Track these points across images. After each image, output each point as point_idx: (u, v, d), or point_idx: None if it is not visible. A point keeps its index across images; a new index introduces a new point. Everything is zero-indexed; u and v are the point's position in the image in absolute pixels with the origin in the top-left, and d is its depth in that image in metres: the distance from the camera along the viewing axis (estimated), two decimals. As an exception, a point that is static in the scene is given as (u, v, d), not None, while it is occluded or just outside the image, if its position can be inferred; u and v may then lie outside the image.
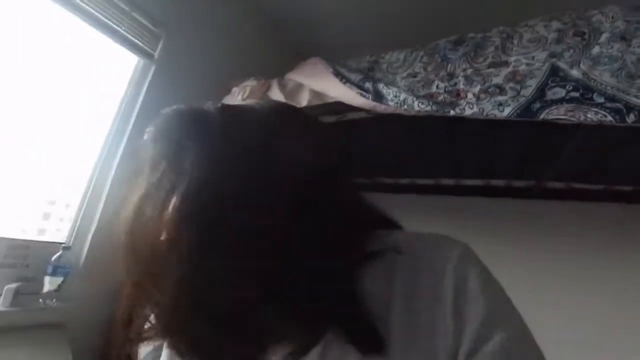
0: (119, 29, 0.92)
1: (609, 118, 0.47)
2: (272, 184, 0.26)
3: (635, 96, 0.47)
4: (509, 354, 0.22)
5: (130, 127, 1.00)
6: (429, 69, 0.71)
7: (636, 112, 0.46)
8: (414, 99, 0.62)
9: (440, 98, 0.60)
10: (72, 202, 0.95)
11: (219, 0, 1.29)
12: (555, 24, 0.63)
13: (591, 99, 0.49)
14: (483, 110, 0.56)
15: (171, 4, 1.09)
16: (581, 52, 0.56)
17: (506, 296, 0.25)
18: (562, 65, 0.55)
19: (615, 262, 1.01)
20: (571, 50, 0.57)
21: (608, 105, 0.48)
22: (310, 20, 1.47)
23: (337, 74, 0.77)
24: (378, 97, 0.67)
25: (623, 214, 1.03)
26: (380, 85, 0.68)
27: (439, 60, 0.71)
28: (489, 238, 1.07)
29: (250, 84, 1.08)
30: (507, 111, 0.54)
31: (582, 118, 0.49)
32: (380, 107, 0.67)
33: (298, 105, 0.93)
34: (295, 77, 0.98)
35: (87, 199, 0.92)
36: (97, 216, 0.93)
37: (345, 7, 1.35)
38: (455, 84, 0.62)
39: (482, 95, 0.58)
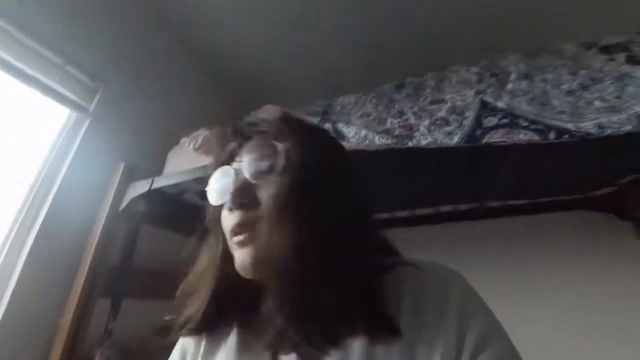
0: (49, 82, 0.84)
1: (536, 137, 0.56)
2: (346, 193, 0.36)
3: (550, 118, 0.57)
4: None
5: (59, 181, 0.86)
6: (379, 109, 0.78)
7: (554, 131, 0.56)
8: (374, 134, 0.66)
9: (397, 132, 0.66)
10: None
11: (162, 54, 1.28)
12: (474, 69, 0.76)
13: (518, 123, 0.59)
14: (436, 139, 0.62)
15: (111, 57, 1.04)
16: (499, 88, 0.68)
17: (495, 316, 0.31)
18: (488, 99, 0.66)
19: (548, 267, 1.13)
20: (491, 88, 0.69)
21: (532, 127, 0.57)
22: (255, 70, 1.54)
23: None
24: (339, 136, 0.70)
25: (545, 224, 1.19)
26: (340, 125, 0.72)
27: (387, 101, 0.79)
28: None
29: (201, 133, 1.05)
30: (455, 139, 0.61)
31: (516, 139, 0.57)
32: (345, 144, 0.69)
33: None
34: (250, 123, 0.99)
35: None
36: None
37: (288, 59, 1.45)
38: (407, 119, 0.68)
39: (432, 127, 0.64)
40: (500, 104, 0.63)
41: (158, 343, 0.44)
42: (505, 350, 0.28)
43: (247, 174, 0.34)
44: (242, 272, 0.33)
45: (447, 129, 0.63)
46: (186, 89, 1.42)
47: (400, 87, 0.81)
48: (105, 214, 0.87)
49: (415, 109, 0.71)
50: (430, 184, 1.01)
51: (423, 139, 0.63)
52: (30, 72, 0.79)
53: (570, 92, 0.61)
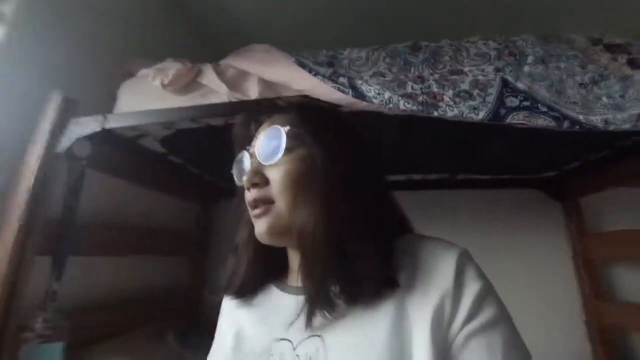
0: None
1: (552, 124, 0.58)
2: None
3: (565, 108, 0.59)
4: (497, 323, 0.31)
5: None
6: (394, 70, 0.72)
7: (568, 120, 0.58)
8: (399, 97, 0.60)
9: (420, 99, 0.61)
10: None
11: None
12: (492, 44, 0.73)
13: (537, 108, 0.60)
14: (462, 113, 0.59)
15: None
16: (517, 69, 0.67)
17: (493, 288, 0.34)
18: (509, 78, 0.65)
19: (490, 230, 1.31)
20: (510, 67, 0.68)
21: (550, 113, 0.59)
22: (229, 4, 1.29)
23: (302, 65, 0.69)
24: (359, 94, 0.62)
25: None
26: (359, 82, 0.64)
27: (402, 63, 0.73)
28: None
29: (171, 67, 0.85)
30: (481, 115, 0.59)
31: (535, 123, 0.58)
32: (362, 104, 0.63)
33: (244, 97, 0.79)
34: (236, 63, 0.83)
35: None
36: None
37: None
38: (429, 86, 0.64)
39: (457, 99, 0.61)
40: (520, 86, 0.63)
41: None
42: (497, 316, 0.31)
43: (258, 158, 0.40)
44: (260, 240, 0.39)
45: (472, 103, 0.61)
46: (146, 9, 1.13)
47: (415, 49, 0.75)
48: (41, 155, 0.67)
49: (436, 76, 0.67)
50: (422, 153, 1.03)
51: (449, 110, 0.60)
52: None
53: (582, 85, 0.63)
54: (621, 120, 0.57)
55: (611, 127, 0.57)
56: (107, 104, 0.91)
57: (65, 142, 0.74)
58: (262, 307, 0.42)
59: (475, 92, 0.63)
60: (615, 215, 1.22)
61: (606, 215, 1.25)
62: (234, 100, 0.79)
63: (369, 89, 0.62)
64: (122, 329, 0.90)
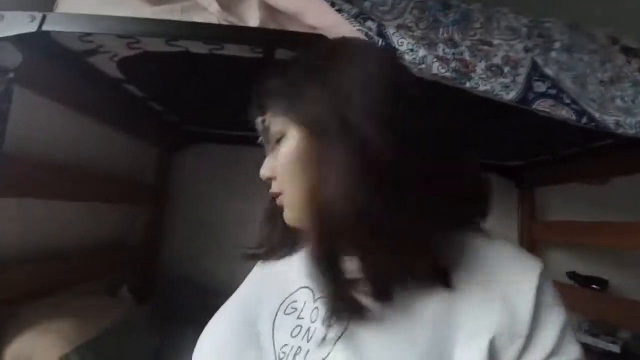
0: None
1: (574, 118, 0.57)
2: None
3: (586, 104, 0.58)
4: None
5: None
6: (421, 25, 0.63)
7: (587, 116, 0.57)
8: (434, 59, 0.53)
9: (453, 65, 0.55)
10: None
11: None
12: (523, 20, 0.68)
13: (562, 99, 0.57)
14: (494, 89, 0.55)
15: None
16: (545, 52, 0.64)
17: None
18: (538, 61, 0.61)
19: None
20: (539, 49, 0.64)
21: (573, 106, 0.57)
22: None
23: (324, -4, 0.56)
24: (388, 45, 0.53)
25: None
26: (391, 31, 0.54)
27: (431, 20, 0.64)
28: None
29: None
30: (512, 95, 0.55)
31: (559, 114, 0.57)
32: (389, 59, 0.54)
33: (240, 23, 0.64)
34: (233, -23, 0.65)
35: None
36: None
37: None
38: (462, 53, 0.57)
39: (489, 73, 0.56)
40: (549, 71, 0.60)
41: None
42: (580, 355, 0.27)
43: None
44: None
45: (504, 80, 0.56)
46: None
47: (446, 7, 0.66)
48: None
49: (468, 43, 0.60)
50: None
51: (482, 84, 0.54)
52: None
53: (602, 83, 0.63)
54: (629, 125, 0.58)
55: (620, 130, 0.58)
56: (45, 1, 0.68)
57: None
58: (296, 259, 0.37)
59: (507, 69, 0.58)
60: (561, 206, 1.38)
61: (554, 205, 1.40)
62: (225, 23, 0.63)
63: (401, 42, 0.53)
64: (64, 284, 0.77)
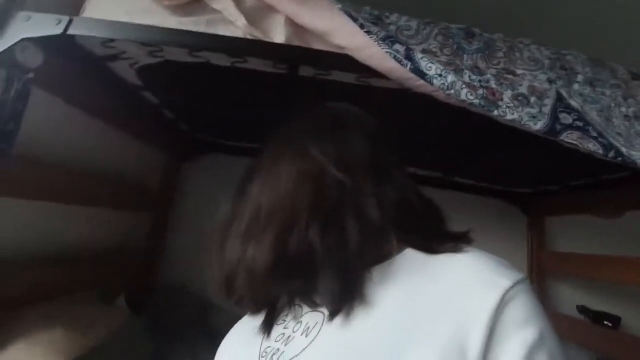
0: None
1: (601, 151, 0.56)
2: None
3: (612, 137, 0.57)
4: None
5: None
6: (446, 51, 0.63)
7: (614, 151, 0.56)
8: (463, 85, 0.52)
9: (480, 92, 0.54)
10: None
11: None
12: (545, 52, 0.68)
13: (589, 131, 0.57)
14: (521, 119, 0.54)
15: None
16: (568, 85, 0.64)
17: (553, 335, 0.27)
18: (563, 92, 0.61)
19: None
20: (562, 81, 0.64)
21: (600, 140, 0.56)
22: None
23: (354, 18, 0.56)
24: (417, 69, 0.53)
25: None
26: (419, 55, 0.54)
27: (455, 47, 0.64)
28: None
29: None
30: (539, 125, 0.54)
31: (586, 147, 0.56)
32: (417, 83, 0.53)
33: (265, 38, 0.64)
34: (261, -6, 0.66)
35: None
36: None
37: None
38: (488, 81, 0.57)
39: (516, 102, 0.56)
40: (573, 103, 0.59)
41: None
42: None
43: None
44: None
45: (530, 110, 0.55)
46: None
47: (470, 35, 0.67)
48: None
49: (494, 72, 0.60)
50: (425, 146, 1.00)
51: (510, 113, 0.53)
52: None
53: (627, 117, 0.62)
54: (655, 161, 0.57)
55: (647, 166, 0.57)
56: (68, 6, 0.68)
57: (5, 41, 0.52)
58: None
59: (533, 99, 0.57)
60: (574, 237, 1.35)
61: (566, 236, 1.38)
62: (250, 37, 0.63)
63: (430, 67, 0.53)
64: (59, 291, 0.74)
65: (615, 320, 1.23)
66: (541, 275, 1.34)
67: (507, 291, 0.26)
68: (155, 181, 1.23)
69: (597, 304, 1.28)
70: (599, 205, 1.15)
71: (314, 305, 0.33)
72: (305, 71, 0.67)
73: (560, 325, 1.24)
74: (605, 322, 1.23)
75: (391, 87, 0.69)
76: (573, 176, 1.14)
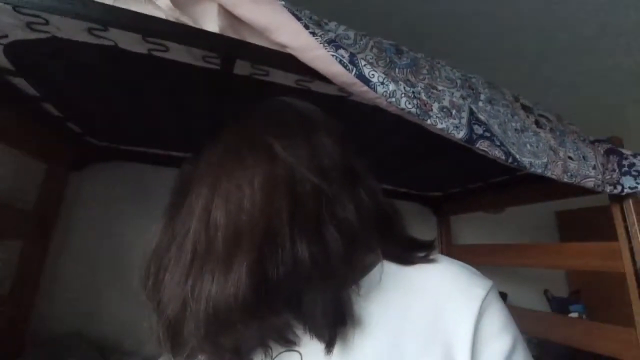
0: None
1: (503, 157, 0.67)
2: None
3: (509, 146, 0.69)
4: None
5: None
6: (380, 63, 0.67)
7: (511, 157, 0.68)
8: (402, 94, 0.55)
9: (415, 102, 0.58)
10: None
11: None
12: (457, 73, 0.79)
13: (494, 141, 0.67)
14: (448, 128, 0.60)
15: None
16: (475, 102, 0.75)
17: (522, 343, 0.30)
18: (473, 108, 0.71)
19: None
20: (470, 98, 0.75)
21: (502, 148, 0.67)
22: None
23: (297, 17, 0.54)
24: (361, 75, 0.53)
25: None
26: (362, 62, 0.55)
27: (387, 60, 0.69)
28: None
29: None
30: (461, 134, 0.61)
31: (493, 154, 0.65)
32: (361, 89, 0.54)
33: (194, 24, 0.55)
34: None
35: None
36: None
37: None
38: (419, 92, 0.62)
39: (442, 114, 0.62)
40: (481, 117, 0.70)
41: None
42: None
43: None
44: None
45: (453, 121, 0.62)
46: None
47: (399, 52, 0.72)
48: None
49: (422, 85, 0.66)
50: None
51: (439, 122, 0.59)
52: None
53: (516, 130, 0.76)
54: (537, 166, 0.72)
55: (532, 169, 0.71)
56: None
57: None
58: None
59: (454, 111, 0.65)
60: (469, 231, 1.61)
61: (463, 230, 1.63)
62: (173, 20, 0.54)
63: (372, 74, 0.54)
64: None
65: (504, 296, 1.50)
66: (450, 267, 1.54)
67: (483, 300, 0.28)
68: (31, 197, 0.94)
69: (491, 286, 1.55)
70: (487, 204, 1.40)
71: (289, 344, 0.28)
72: (242, 69, 0.61)
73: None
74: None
75: (330, 93, 0.70)
76: (470, 180, 1.36)
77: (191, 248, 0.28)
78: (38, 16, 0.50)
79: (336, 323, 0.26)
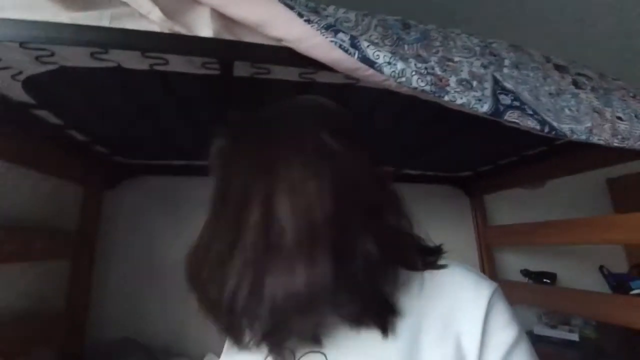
0: None
1: (538, 127, 0.59)
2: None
3: (544, 113, 0.62)
4: None
5: None
6: (387, 42, 0.62)
7: (547, 125, 0.60)
8: (412, 72, 0.50)
9: (428, 79, 0.53)
10: None
11: None
12: (474, 40, 0.72)
13: (525, 110, 0.60)
14: (469, 102, 0.54)
15: None
16: (499, 69, 0.67)
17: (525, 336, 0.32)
18: (497, 76, 0.64)
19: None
20: (493, 66, 0.67)
21: (535, 117, 0.60)
22: None
23: (290, 7, 0.51)
24: (365, 58, 0.49)
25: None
26: (364, 43, 0.51)
27: (395, 37, 0.63)
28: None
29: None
30: (485, 107, 0.55)
31: (526, 124, 0.58)
32: (366, 72, 0.50)
33: (187, 32, 0.54)
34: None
35: None
36: None
37: None
38: (432, 67, 0.57)
39: (461, 87, 0.56)
40: (508, 85, 0.63)
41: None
42: None
43: None
44: None
45: (475, 94, 0.56)
46: None
47: (406, 26, 0.67)
48: None
49: (435, 59, 0.60)
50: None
51: (458, 97, 0.53)
52: None
53: (551, 95, 0.68)
54: (580, 132, 0.63)
55: (574, 137, 0.62)
56: None
57: None
58: None
59: (475, 83, 0.59)
60: (506, 210, 1.50)
61: (501, 210, 1.52)
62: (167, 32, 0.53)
63: (377, 55, 0.50)
64: None
65: (552, 277, 1.39)
66: (487, 248, 1.45)
67: (490, 298, 0.31)
68: (72, 219, 1.01)
69: (536, 266, 1.43)
70: (524, 179, 1.29)
71: (318, 344, 0.29)
72: (241, 70, 0.60)
73: (509, 290, 1.34)
74: (544, 280, 1.39)
75: (336, 82, 0.66)
76: (502, 156, 1.26)
77: (252, 241, 0.28)
78: (44, 49, 0.51)
79: (388, 312, 0.29)
